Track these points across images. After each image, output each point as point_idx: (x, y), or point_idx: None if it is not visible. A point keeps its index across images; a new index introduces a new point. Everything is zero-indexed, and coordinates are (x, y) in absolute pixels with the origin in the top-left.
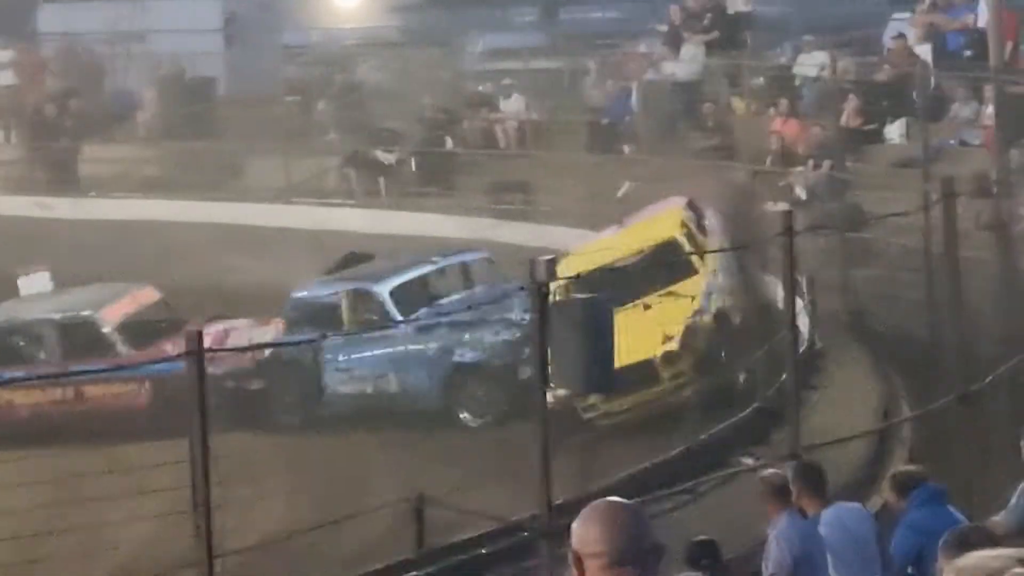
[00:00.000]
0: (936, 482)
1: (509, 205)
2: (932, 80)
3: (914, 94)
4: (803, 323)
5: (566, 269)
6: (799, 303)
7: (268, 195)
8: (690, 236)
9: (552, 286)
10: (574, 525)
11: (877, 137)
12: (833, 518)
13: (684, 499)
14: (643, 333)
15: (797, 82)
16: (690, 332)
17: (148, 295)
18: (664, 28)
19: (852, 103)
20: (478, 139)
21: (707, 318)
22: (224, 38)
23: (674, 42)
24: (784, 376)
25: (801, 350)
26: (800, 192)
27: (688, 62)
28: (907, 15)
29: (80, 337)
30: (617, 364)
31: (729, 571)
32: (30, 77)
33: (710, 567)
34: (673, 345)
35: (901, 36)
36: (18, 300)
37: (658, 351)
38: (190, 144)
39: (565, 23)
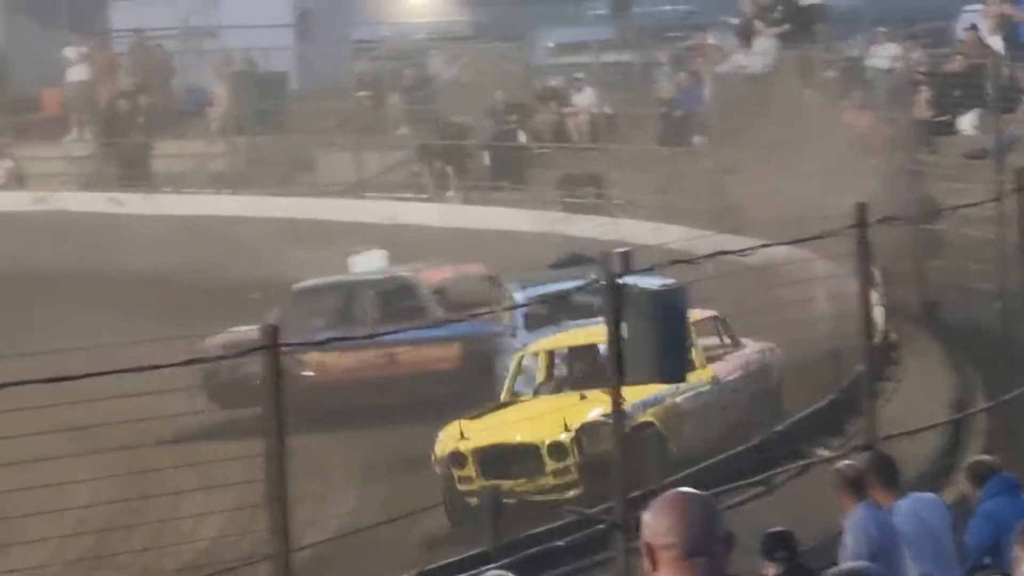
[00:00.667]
0: (1011, 472)
1: (581, 199)
2: (1004, 71)
3: (986, 85)
4: (877, 315)
5: (550, 343)
6: (873, 295)
7: (339, 190)
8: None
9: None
10: (645, 516)
11: (949, 128)
12: (908, 509)
13: (758, 491)
14: (551, 419)
15: (869, 74)
16: (590, 430)
17: (473, 268)
18: (736, 20)
19: (924, 95)
20: (550, 133)
21: (624, 423)
22: (295, 33)
23: (746, 34)
24: (859, 367)
25: (875, 342)
26: (873, 184)
27: (760, 54)
28: (979, 6)
29: (397, 299)
30: (505, 440)
31: (804, 563)
32: (103, 73)
33: (785, 559)
34: (564, 437)
35: (973, 27)
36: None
37: (546, 439)
38: (261, 139)
39: (636, 16)
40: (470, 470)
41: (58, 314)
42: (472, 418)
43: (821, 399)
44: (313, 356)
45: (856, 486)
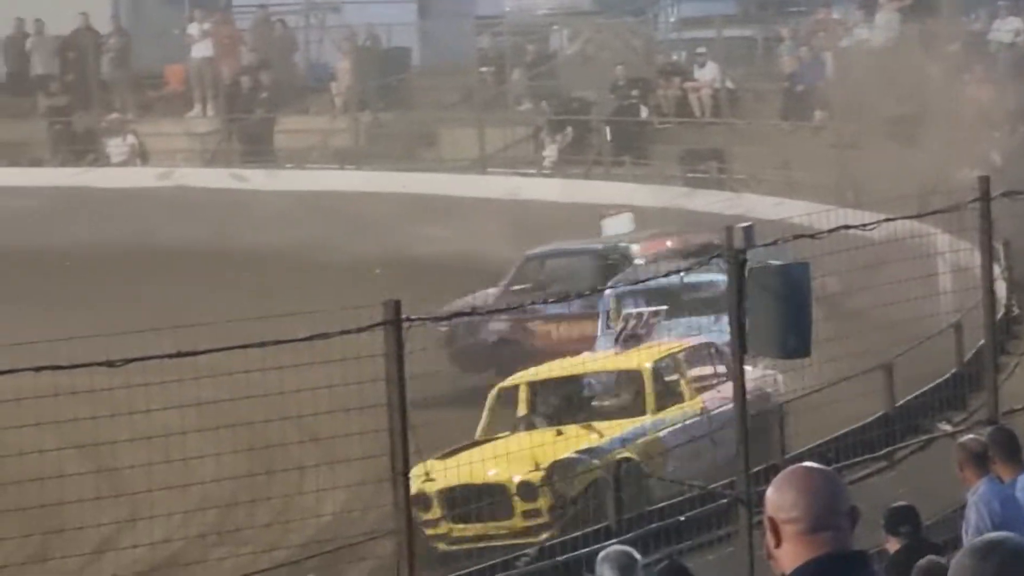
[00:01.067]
0: None
1: (703, 174)
2: None
3: None
4: (1000, 288)
5: (530, 375)
6: (996, 269)
7: (461, 165)
8: (668, 372)
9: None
10: (769, 491)
11: None
12: None
13: (881, 465)
14: (522, 457)
15: (992, 48)
16: (563, 468)
17: (703, 237)
18: None
19: None
20: (672, 108)
21: (599, 461)
22: (418, 8)
23: (869, 8)
24: (981, 342)
25: (998, 316)
26: (996, 158)
27: (883, 28)
28: None
29: (612, 269)
30: (472, 480)
31: (927, 537)
32: (226, 49)
33: (909, 534)
34: (534, 476)
35: None
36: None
37: (516, 477)
38: (384, 114)
39: None
40: (436, 513)
41: (181, 290)
42: (441, 457)
43: (943, 373)
44: (541, 326)
45: (979, 461)
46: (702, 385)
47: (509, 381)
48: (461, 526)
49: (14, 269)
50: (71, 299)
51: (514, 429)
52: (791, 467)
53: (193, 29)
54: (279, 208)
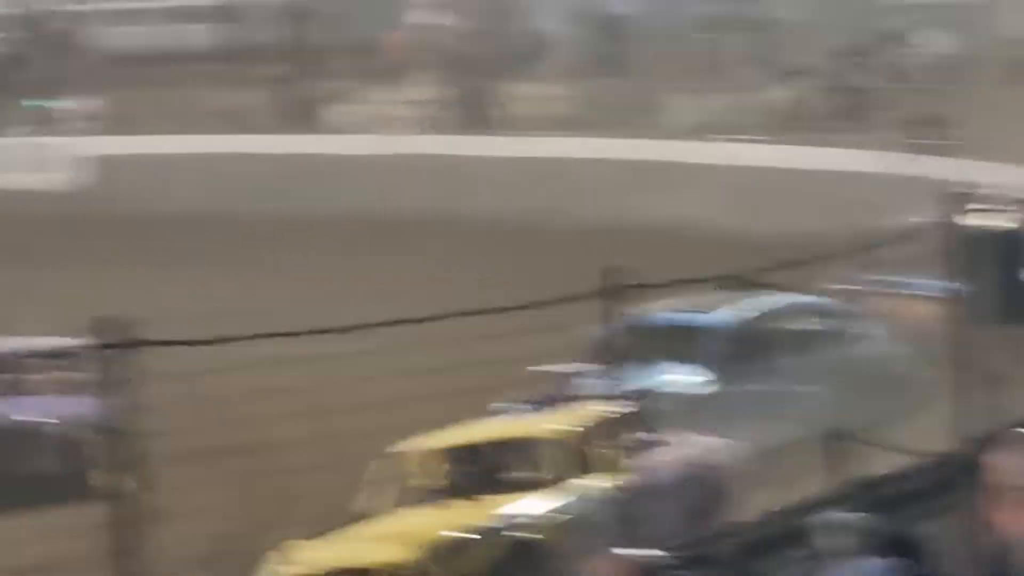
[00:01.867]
0: None
1: (924, 140)
2: None
3: None
4: None
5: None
6: None
7: (681, 132)
8: (587, 441)
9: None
10: (996, 458)
11: None
12: None
13: None
14: (402, 536)
15: None
16: (442, 551)
17: None
18: None
19: None
20: (892, 73)
21: (488, 542)
22: None
23: None
24: None
25: None
26: None
27: None
28: None
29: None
30: (336, 564)
31: None
32: (446, 16)
33: None
34: (409, 559)
35: None
36: None
37: (379, 560)
38: (603, 81)
39: None
40: None
41: (400, 257)
42: (312, 537)
43: None
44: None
45: None
46: (629, 455)
47: (399, 448)
48: None
49: (240, 236)
50: (294, 266)
51: (400, 504)
52: (1020, 432)
53: None
54: (499, 175)
